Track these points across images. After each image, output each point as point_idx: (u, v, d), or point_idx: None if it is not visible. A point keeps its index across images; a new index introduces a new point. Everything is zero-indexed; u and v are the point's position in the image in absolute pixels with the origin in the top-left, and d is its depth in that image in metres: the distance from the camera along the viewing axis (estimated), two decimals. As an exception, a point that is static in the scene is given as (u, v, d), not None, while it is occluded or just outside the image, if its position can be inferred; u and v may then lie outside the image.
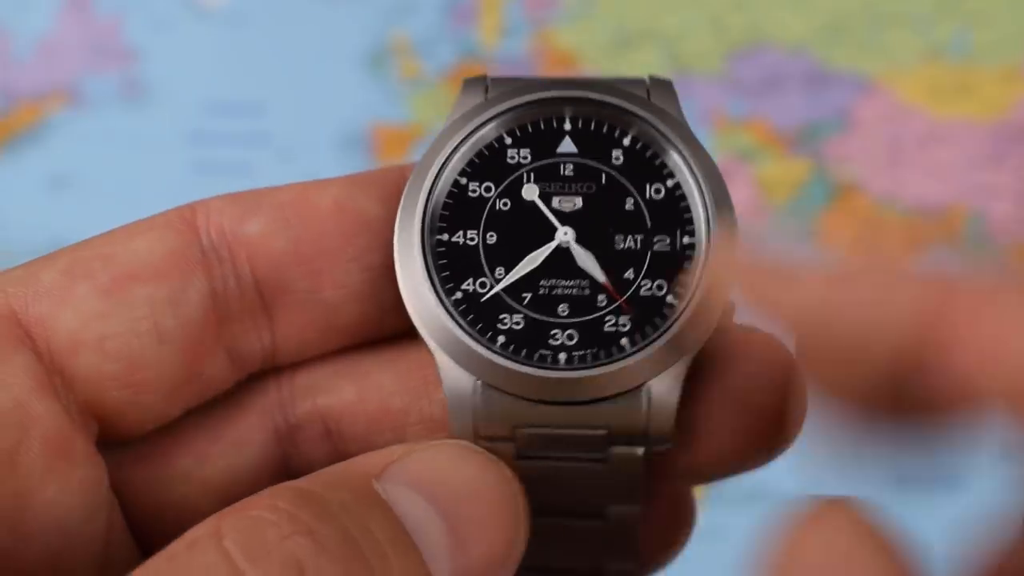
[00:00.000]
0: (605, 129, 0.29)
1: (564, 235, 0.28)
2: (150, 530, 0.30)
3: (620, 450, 0.27)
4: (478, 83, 0.30)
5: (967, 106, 0.60)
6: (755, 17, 0.61)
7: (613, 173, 0.28)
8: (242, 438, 0.30)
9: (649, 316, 0.27)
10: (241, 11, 0.62)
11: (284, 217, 0.29)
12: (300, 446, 0.31)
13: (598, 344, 0.27)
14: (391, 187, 0.29)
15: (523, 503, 0.26)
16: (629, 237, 0.28)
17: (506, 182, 0.29)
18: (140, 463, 0.30)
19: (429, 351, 0.28)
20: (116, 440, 0.29)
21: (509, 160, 0.29)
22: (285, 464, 0.31)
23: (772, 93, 0.61)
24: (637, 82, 0.30)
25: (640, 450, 0.28)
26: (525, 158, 0.29)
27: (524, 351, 0.27)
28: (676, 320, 0.27)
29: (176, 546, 0.22)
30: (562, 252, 0.28)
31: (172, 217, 0.29)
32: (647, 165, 0.28)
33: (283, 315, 0.29)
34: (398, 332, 0.30)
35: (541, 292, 0.28)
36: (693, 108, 0.61)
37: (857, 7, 0.61)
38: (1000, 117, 0.59)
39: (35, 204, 0.60)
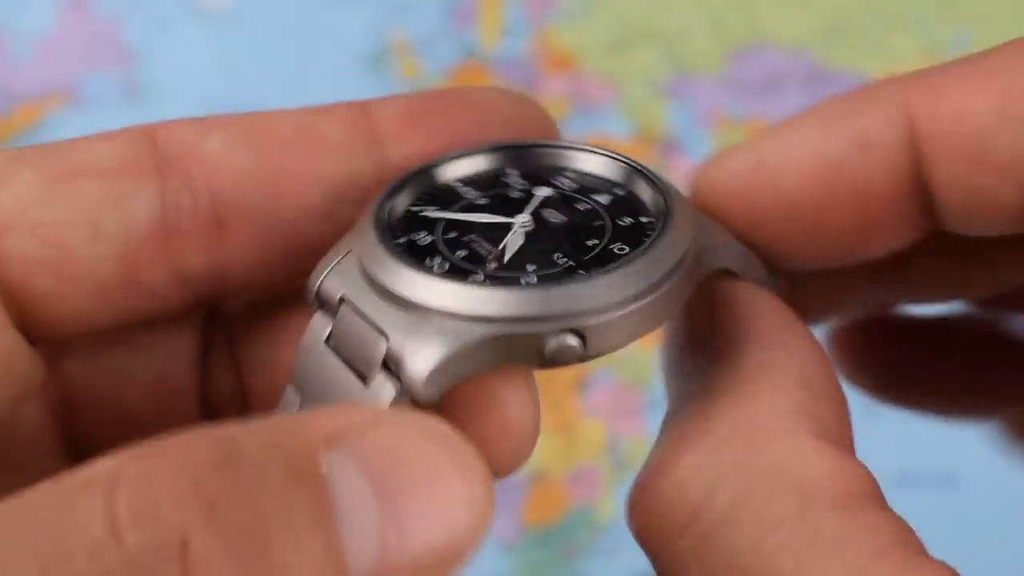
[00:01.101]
0: (602, 177, 0.29)
1: (520, 219, 0.27)
2: (78, 417, 0.30)
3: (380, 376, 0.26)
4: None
5: (967, 106, 0.60)
6: (755, 17, 0.61)
7: (597, 207, 0.28)
8: (173, 349, 0.30)
9: (603, 260, 0.27)
10: (241, 11, 0.62)
11: (246, 136, 0.29)
12: (215, 373, 0.31)
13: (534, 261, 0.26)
14: (352, 119, 0.29)
15: (485, 498, 0.24)
16: (586, 238, 0.28)
17: (493, 188, 0.29)
18: (73, 353, 0.30)
19: None
20: (47, 335, 0.28)
21: (503, 179, 0.29)
22: (207, 388, 0.31)
23: (772, 93, 0.61)
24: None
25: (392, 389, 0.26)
26: (516, 175, 0.29)
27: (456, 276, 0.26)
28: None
29: (71, 478, 0.21)
30: (506, 229, 0.27)
31: (134, 129, 0.29)
32: (631, 204, 0.28)
33: (239, 234, 0.29)
34: None
35: (472, 248, 0.27)
36: (693, 108, 0.61)
37: (857, 7, 0.61)
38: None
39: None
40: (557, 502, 0.58)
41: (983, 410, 0.37)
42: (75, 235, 0.28)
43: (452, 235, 0.27)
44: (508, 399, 0.27)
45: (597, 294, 0.25)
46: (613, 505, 0.57)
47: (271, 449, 0.22)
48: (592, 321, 0.25)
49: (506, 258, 0.26)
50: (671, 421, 0.26)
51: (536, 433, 0.27)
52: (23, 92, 0.61)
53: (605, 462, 0.58)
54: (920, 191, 0.28)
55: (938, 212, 0.29)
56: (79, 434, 0.31)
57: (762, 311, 0.27)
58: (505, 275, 0.26)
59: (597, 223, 0.27)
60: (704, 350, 0.28)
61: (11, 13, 0.62)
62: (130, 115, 0.62)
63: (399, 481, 0.23)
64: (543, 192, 0.28)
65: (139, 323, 0.30)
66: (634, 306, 0.25)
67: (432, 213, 0.28)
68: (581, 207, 0.28)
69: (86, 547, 0.19)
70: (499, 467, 0.28)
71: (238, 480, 0.21)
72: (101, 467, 0.20)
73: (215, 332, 0.31)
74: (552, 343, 0.25)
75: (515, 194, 0.28)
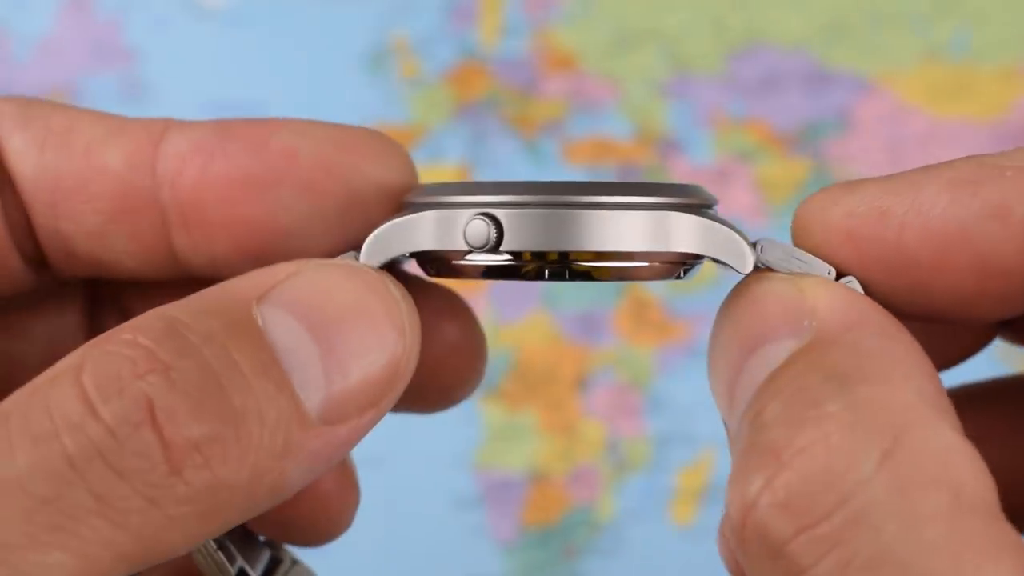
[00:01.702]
0: None
1: None
2: None
3: None
4: None
5: (967, 106, 0.60)
6: (755, 17, 0.61)
7: None
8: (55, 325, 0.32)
9: None
10: (241, 11, 0.62)
11: (44, 142, 0.30)
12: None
13: None
14: (144, 140, 0.30)
15: (411, 322, 0.26)
16: None
17: None
18: None
19: None
20: None
21: None
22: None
23: (772, 93, 0.61)
24: None
25: None
26: None
27: None
28: None
29: (40, 379, 0.23)
30: None
31: None
32: None
33: (39, 232, 0.30)
34: (156, 279, 0.31)
35: None
36: (693, 108, 0.61)
37: (857, 7, 0.61)
38: (1000, 117, 0.59)
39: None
40: (557, 502, 0.58)
41: None
42: None
43: None
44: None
45: None
46: (613, 505, 0.57)
47: (208, 313, 0.24)
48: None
49: None
50: (775, 400, 0.24)
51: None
52: (23, 92, 0.61)
53: (605, 462, 0.58)
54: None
55: None
56: None
57: (864, 302, 0.26)
58: None
59: None
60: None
61: (11, 13, 0.62)
62: (130, 115, 0.62)
63: (332, 320, 0.25)
64: None
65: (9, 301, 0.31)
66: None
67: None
68: None
69: (67, 426, 0.22)
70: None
71: (185, 343, 0.23)
72: (65, 360, 0.23)
73: (102, 300, 0.33)
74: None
75: None
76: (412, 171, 0.31)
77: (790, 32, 0.61)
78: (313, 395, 0.24)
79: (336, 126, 0.31)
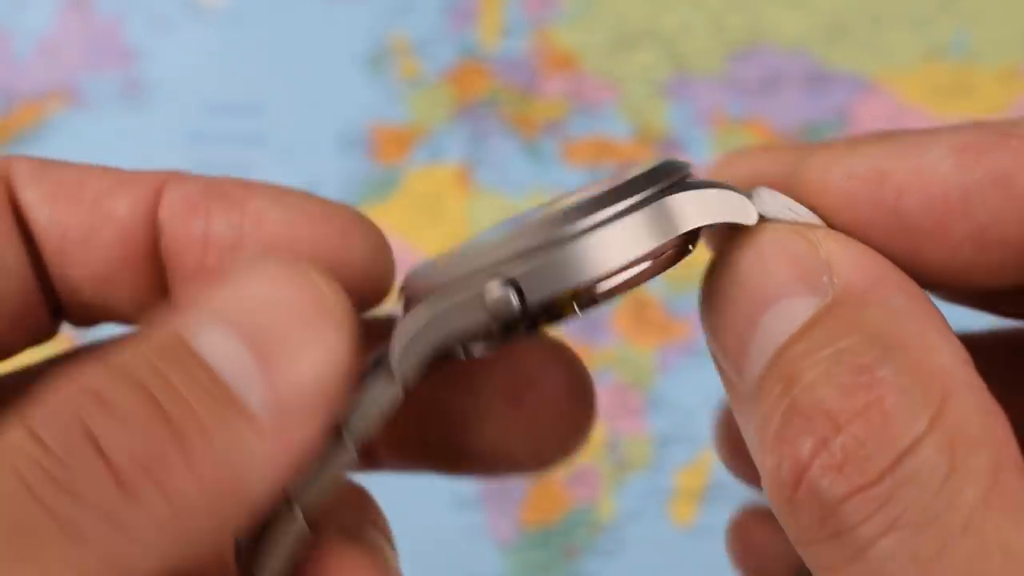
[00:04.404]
0: None
1: None
2: None
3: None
4: None
5: (967, 106, 0.60)
6: (755, 17, 0.61)
7: None
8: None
9: None
10: (241, 11, 0.62)
11: (54, 195, 0.31)
12: None
13: None
14: (148, 190, 0.31)
15: (342, 313, 0.26)
16: None
17: None
18: None
19: None
20: None
21: None
22: None
23: (772, 93, 0.61)
24: None
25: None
26: None
27: None
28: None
29: None
30: None
31: None
32: None
33: (53, 280, 0.31)
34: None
35: None
36: (693, 108, 0.61)
37: (857, 7, 0.61)
38: (1000, 117, 0.59)
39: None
40: (557, 502, 0.58)
41: None
42: None
43: None
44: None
45: None
46: (613, 505, 0.57)
47: (142, 344, 0.25)
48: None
49: None
50: (804, 353, 0.25)
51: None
52: (23, 92, 0.61)
53: (605, 462, 0.58)
54: None
55: None
56: None
57: (876, 256, 0.26)
58: None
59: None
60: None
61: (11, 13, 0.62)
62: (130, 115, 0.62)
63: (263, 324, 0.25)
64: None
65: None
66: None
67: None
68: None
69: (19, 454, 0.23)
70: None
71: (120, 374, 0.24)
72: (11, 415, 0.24)
73: None
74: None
75: None
76: (386, 249, 0.30)
77: (790, 32, 0.61)
78: (256, 400, 0.24)
79: (316, 200, 0.31)
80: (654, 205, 0.25)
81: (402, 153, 0.61)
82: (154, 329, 0.25)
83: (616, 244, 0.25)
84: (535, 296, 0.24)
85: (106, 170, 0.32)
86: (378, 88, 0.61)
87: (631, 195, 0.25)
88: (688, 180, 0.26)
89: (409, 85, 0.61)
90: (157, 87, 0.61)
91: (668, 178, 0.26)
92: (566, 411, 0.32)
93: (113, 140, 0.61)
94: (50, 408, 0.23)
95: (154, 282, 0.31)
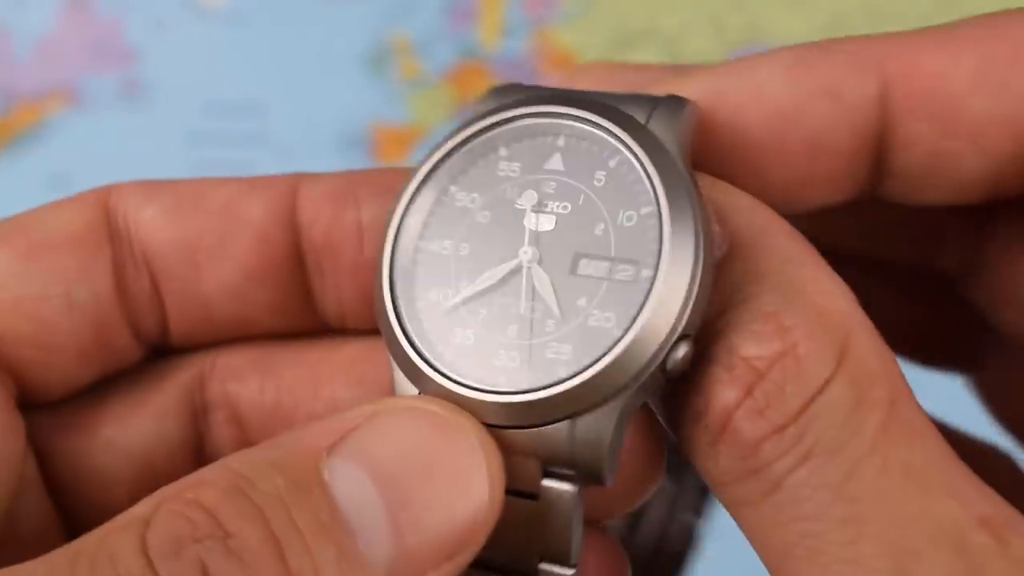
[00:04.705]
0: (594, 148, 0.28)
1: (525, 255, 0.28)
2: (74, 498, 0.31)
3: (551, 484, 0.27)
4: (483, 95, 0.29)
5: (967, 106, 0.60)
6: (755, 17, 0.61)
7: (591, 195, 0.28)
8: (161, 411, 0.31)
9: (592, 347, 0.27)
10: (241, 11, 0.62)
11: (177, 208, 0.30)
12: (212, 427, 0.31)
13: (538, 369, 0.27)
14: (283, 190, 0.30)
15: (493, 475, 0.25)
16: (592, 263, 0.28)
17: (491, 194, 0.28)
18: (65, 430, 0.31)
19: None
20: (33, 402, 0.30)
21: (499, 172, 0.28)
22: (198, 442, 0.31)
23: (772, 93, 0.61)
24: (643, 101, 0.29)
25: (571, 487, 0.26)
26: (514, 171, 0.28)
27: (467, 369, 0.27)
28: (617, 360, 0.27)
29: (111, 524, 0.23)
30: (520, 271, 0.27)
31: (89, 196, 0.31)
32: (625, 190, 0.28)
33: (169, 301, 0.31)
34: (293, 331, 0.31)
35: (496, 310, 0.27)
36: (693, 108, 0.61)
37: (857, 7, 0.61)
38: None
39: (35, 204, 0.60)
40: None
41: (949, 362, 0.37)
42: (52, 307, 0.29)
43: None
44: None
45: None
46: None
47: (274, 468, 0.23)
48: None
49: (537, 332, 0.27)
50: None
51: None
52: (23, 92, 0.61)
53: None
54: (877, 150, 0.28)
55: (889, 174, 0.29)
56: (73, 513, 0.31)
57: (756, 201, 0.27)
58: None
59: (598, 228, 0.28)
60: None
61: (11, 13, 0.62)
62: (130, 115, 0.62)
63: (405, 473, 0.24)
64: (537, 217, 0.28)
65: (110, 379, 0.31)
66: None
67: (449, 300, 0.28)
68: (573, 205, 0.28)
69: (120, 565, 0.22)
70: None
71: (246, 505, 0.23)
72: (135, 509, 0.23)
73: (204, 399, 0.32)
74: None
75: (510, 195, 0.28)
76: None
77: (790, 32, 0.61)
78: (379, 552, 0.23)
79: None
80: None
81: (402, 152, 0.61)
82: (292, 451, 0.24)
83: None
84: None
85: (223, 180, 0.31)
86: (378, 88, 0.61)
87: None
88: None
89: (409, 85, 0.61)
90: (157, 87, 0.61)
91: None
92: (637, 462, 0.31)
93: (113, 140, 0.61)
94: (168, 530, 0.22)
95: (296, 288, 0.30)
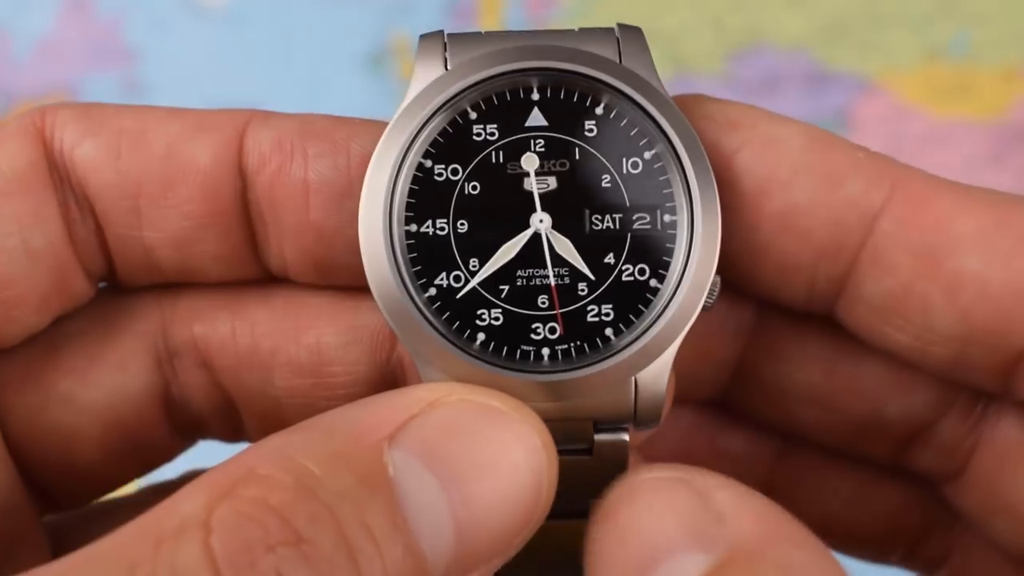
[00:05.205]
0: (576, 98, 0.27)
1: (540, 222, 0.27)
2: (33, 454, 0.29)
3: (605, 437, 0.26)
4: (435, 43, 0.28)
5: (967, 106, 0.60)
6: (755, 17, 0.61)
7: (587, 147, 0.27)
8: (123, 359, 0.30)
9: (632, 302, 0.26)
10: (241, 11, 0.62)
11: (117, 147, 0.28)
12: (178, 373, 0.30)
13: (581, 336, 0.26)
14: (230, 134, 0.28)
15: (549, 476, 0.24)
16: (607, 217, 0.27)
17: (474, 162, 0.27)
18: (21, 384, 0.29)
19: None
20: None
21: (475, 137, 0.27)
22: (165, 389, 0.30)
23: (772, 93, 0.61)
24: (606, 36, 0.28)
25: (625, 436, 0.26)
26: (492, 134, 0.27)
27: (505, 349, 0.26)
28: (664, 310, 0.26)
29: (162, 525, 0.21)
30: (537, 239, 0.27)
31: (25, 124, 0.28)
32: (622, 136, 0.27)
33: (113, 247, 0.29)
34: (243, 279, 0.30)
35: (519, 283, 0.26)
36: (693, 108, 0.61)
37: (857, 7, 0.61)
38: (1000, 117, 0.59)
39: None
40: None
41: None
42: (10, 257, 0.28)
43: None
44: None
45: None
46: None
47: (339, 462, 0.23)
48: None
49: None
50: None
51: None
52: (23, 92, 0.61)
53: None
54: (850, 261, 0.28)
55: (858, 299, 0.28)
56: (37, 471, 0.30)
57: (769, 505, 0.25)
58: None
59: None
60: None
61: (11, 13, 0.62)
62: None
63: (461, 465, 0.23)
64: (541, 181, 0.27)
65: (63, 328, 0.29)
66: None
67: (466, 287, 0.27)
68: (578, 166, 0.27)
69: (182, 563, 0.20)
70: None
71: (317, 508, 0.22)
72: (189, 510, 0.21)
73: (170, 340, 0.31)
74: None
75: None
76: None
77: (790, 32, 0.61)
78: (441, 551, 0.23)
79: None
80: None
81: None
82: (354, 441, 0.23)
83: None
84: None
85: (171, 112, 0.28)
86: (378, 88, 0.61)
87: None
88: None
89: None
90: (157, 87, 0.61)
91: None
92: None
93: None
94: (237, 538, 0.21)
95: (243, 237, 0.29)
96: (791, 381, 0.30)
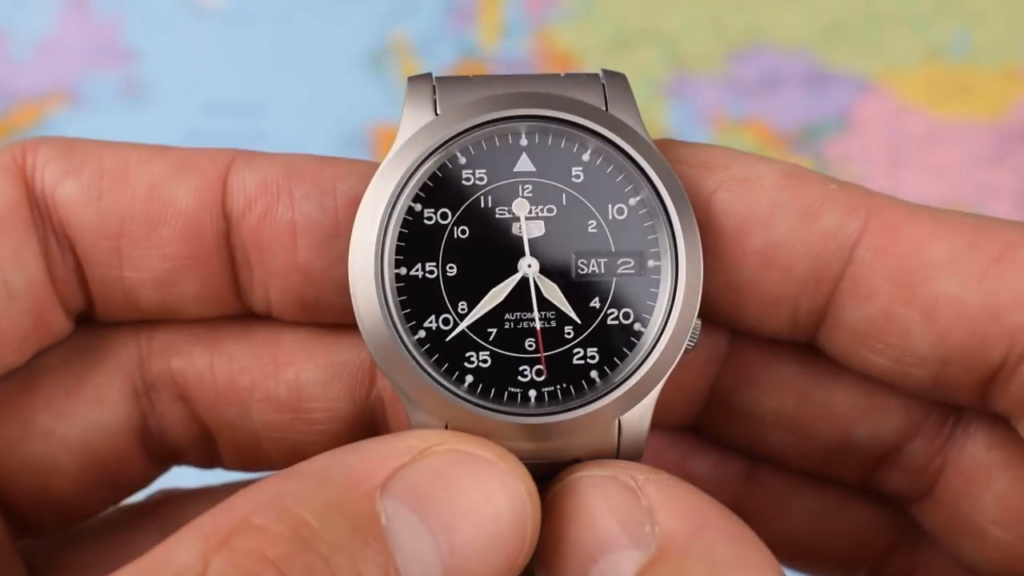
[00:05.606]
0: (563, 144, 0.28)
1: (528, 267, 0.27)
2: (10, 486, 0.29)
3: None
4: (423, 86, 0.28)
5: (967, 106, 0.60)
6: (755, 17, 0.61)
7: (574, 193, 0.27)
8: (100, 393, 0.30)
9: (617, 345, 0.27)
10: (241, 11, 0.62)
11: (99, 187, 0.28)
12: (156, 406, 0.30)
13: (567, 379, 0.27)
14: (213, 175, 0.28)
15: (533, 523, 0.25)
16: (593, 262, 0.27)
17: (463, 207, 0.27)
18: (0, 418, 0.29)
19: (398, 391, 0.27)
20: None
21: (464, 182, 0.27)
22: (142, 422, 0.30)
23: (772, 93, 0.61)
24: (592, 82, 0.28)
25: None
26: (481, 179, 0.27)
27: (492, 391, 0.27)
28: (649, 354, 0.27)
29: (161, 568, 0.21)
30: (525, 283, 0.27)
31: (5, 160, 0.28)
32: (608, 183, 0.27)
33: (93, 286, 0.29)
34: (222, 316, 0.30)
35: (507, 327, 0.27)
36: (693, 108, 0.61)
37: (857, 7, 0.61)
38: (1000, 117, 0.59)
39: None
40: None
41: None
42: None
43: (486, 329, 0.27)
44: None
45: None
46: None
47: (333, 511, 0.23)
48: None
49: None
50: None
51: None
52: (23, 92, 0.61)
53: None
54: (830, 292, 0.28)
55: (838, 326, 0.28)
56: (15, 506, 0.30)
57: (702, 499, 0.26)
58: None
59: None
60: None
61: (11, 13, 0.62)
62: (130, 115, 0.62)
63: (450, 513, 0.24)
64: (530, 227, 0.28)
65: (41, 363, 0.29)
66: None
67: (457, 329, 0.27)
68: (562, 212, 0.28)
69: None
70: None
71: (313, 560, 0.22)
72: (185, 560, 0.21)
73: (147, 377, 0.31)
74: None
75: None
76: None
77: (790, 32, 0.61)
78: None
79: None
80: None
81: (402, 153, 0.61)
82: (347, 490, 0.23)
83: None
84: None
85: (153, 150, 0.28)
86: (378, 88, 0.61)
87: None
88: None
89: (409, 85, 0.61)
90: (157, 87, 0.61)
91: None
92: None
93: (113, 140, 0.60)
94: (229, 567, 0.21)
95: (225, 278, 0.29)
96: (762, 407, 0.31)
